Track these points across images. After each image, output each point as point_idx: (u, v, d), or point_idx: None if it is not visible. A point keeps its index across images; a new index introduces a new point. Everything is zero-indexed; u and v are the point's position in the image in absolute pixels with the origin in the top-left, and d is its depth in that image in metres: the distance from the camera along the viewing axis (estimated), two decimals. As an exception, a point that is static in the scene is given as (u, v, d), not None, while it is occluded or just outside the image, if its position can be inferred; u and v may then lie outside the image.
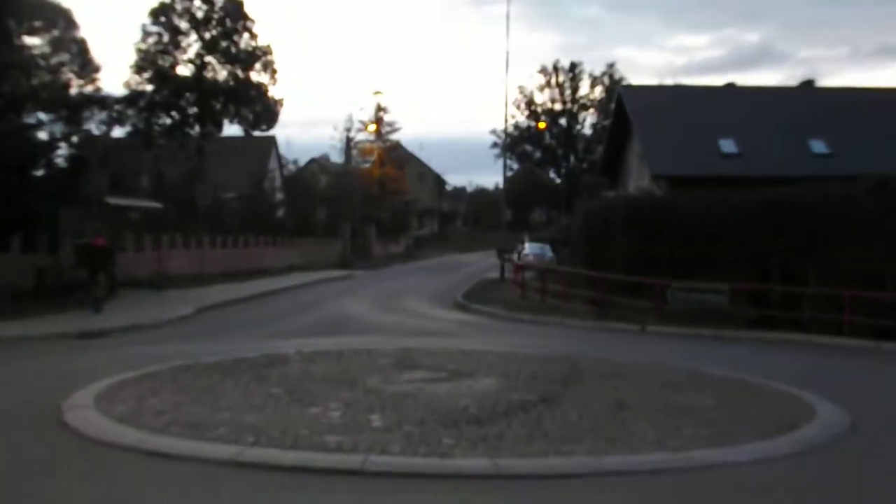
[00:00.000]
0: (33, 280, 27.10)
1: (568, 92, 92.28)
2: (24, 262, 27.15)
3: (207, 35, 50.89)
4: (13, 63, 29.09)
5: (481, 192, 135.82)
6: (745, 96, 39.37)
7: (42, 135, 32.01)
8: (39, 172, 31.49)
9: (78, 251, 26.11)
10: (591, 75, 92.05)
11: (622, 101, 38.73)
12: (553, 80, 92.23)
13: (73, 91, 32.08)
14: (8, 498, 7.09)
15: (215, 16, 50.87)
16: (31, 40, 31.19)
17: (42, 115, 32.02)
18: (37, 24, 30.81)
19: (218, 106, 51.10)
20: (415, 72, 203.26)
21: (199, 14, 50.78)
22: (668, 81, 71.51)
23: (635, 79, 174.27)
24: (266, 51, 52.21)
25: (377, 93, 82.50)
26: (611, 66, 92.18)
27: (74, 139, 32.59)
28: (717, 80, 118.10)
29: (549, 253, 45.88)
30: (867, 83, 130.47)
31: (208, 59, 51.02)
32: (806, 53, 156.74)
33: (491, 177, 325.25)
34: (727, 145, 34.35)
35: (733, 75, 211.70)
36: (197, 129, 51.08)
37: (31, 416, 9.76)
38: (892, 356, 17.55)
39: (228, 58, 51.29)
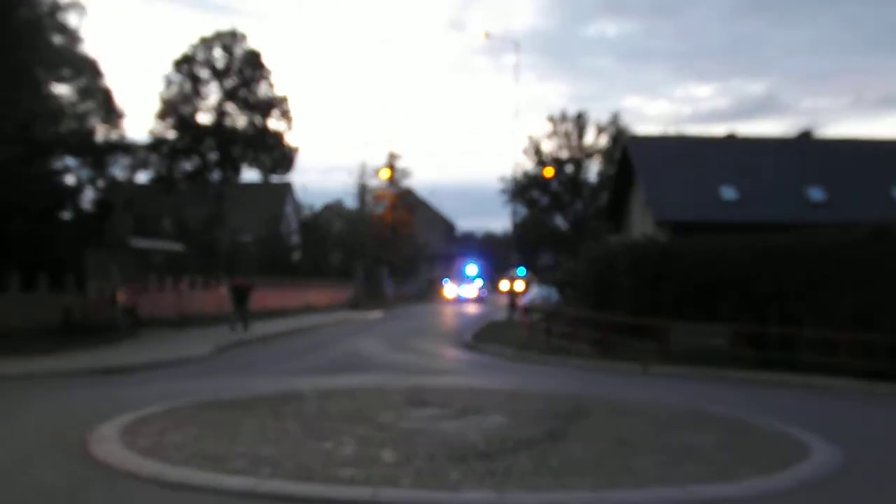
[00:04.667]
0: (60, 318, 27.40)
1: (574, 140, 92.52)
2: (50, 301, 27.46)
3: (227, 84, 51.61)
4: (41, 111, 29.52)
5: (490, 237, 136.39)
6: (746, 145, 39.62)
7: (69, 180, 32.46)
8: (66, 216, 31.85)
9: (231, 289, 31.65)
10: (597, 124, 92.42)
11: (627, 150, 39.01)
12: (560, 129, 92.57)
13: (99, 138, 32.50)
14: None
15: (234, 66, 51.69)
16: (59, 89, 31.67)
17: (69, 161, 32.45)
18: (64, 73, 31.29)
19: (237, 152, 51.62)
20: (428, 119, 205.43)
21: (220, 64, 51.63)
22: (675, 130, 71.76)
23: (643, 127, 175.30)
24: (283, 100, 52.90)
25: (391, 140, 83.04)
26: (615, 115, 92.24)
27: (100, 184, 32.99)
28: (724, 130, 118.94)
29: (555, 296, 45.95)
30: (869, 133, 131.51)
31: (228, 107, 51.64)
32: (809, 104, 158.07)
33: (501, 222, 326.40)
34: (728, 192, 34.53)
35: (738, 124, 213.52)
36: (217, 174, 51.56)
37: (58, 448, 9.91)
38: (886, 398, 17.52)
39: (247, 106, 51.91)
